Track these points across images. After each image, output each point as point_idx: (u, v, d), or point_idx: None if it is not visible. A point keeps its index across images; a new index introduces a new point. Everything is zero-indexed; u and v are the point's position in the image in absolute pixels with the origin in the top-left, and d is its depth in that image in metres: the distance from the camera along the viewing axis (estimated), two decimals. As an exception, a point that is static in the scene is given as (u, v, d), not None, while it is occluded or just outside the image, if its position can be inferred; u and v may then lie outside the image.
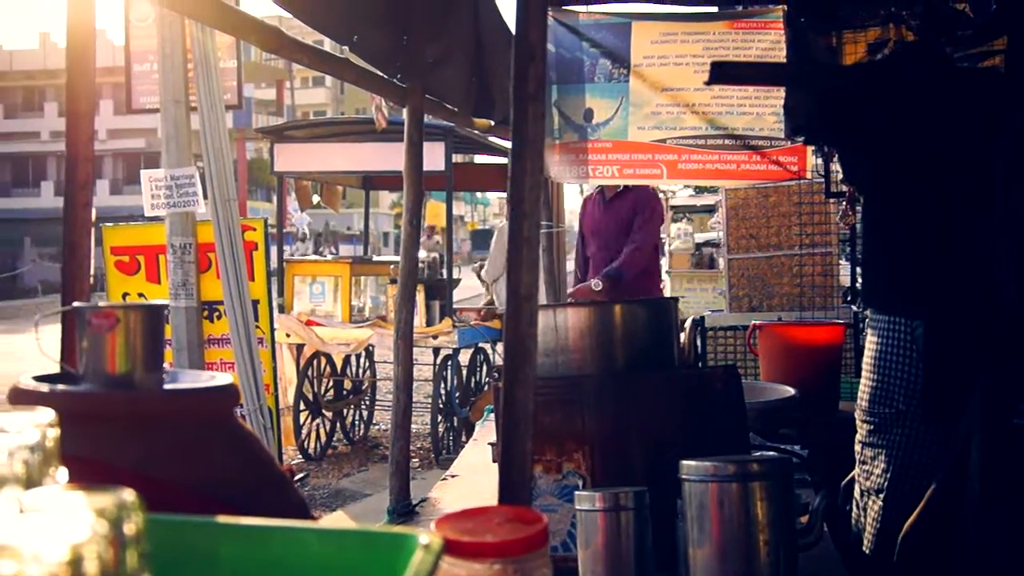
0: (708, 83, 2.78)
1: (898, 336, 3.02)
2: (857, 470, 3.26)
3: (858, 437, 3.26)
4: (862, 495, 3.23)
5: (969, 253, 2.85)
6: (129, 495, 0.72)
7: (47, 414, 0.88)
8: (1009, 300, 2.54)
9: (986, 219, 2.79)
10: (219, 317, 7.34)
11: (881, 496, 3.12)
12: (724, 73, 3.73)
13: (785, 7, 5.35)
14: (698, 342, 6.77)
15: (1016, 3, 2.70)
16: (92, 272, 3.49)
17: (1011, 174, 2.52)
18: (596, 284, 7.10)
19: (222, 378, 1.63)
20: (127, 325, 1.51)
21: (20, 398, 1.46)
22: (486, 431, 4.87)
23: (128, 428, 1.46)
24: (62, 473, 0.88)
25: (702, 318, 7.44)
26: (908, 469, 3.07)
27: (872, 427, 3.17)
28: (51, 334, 1.94)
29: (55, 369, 1.65)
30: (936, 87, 2.93)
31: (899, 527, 2.92)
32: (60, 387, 1.51)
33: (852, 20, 4.69)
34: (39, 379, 1.56)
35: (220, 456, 1.57)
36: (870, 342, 3.17)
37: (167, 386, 1.58)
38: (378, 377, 11.61)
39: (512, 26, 1.98)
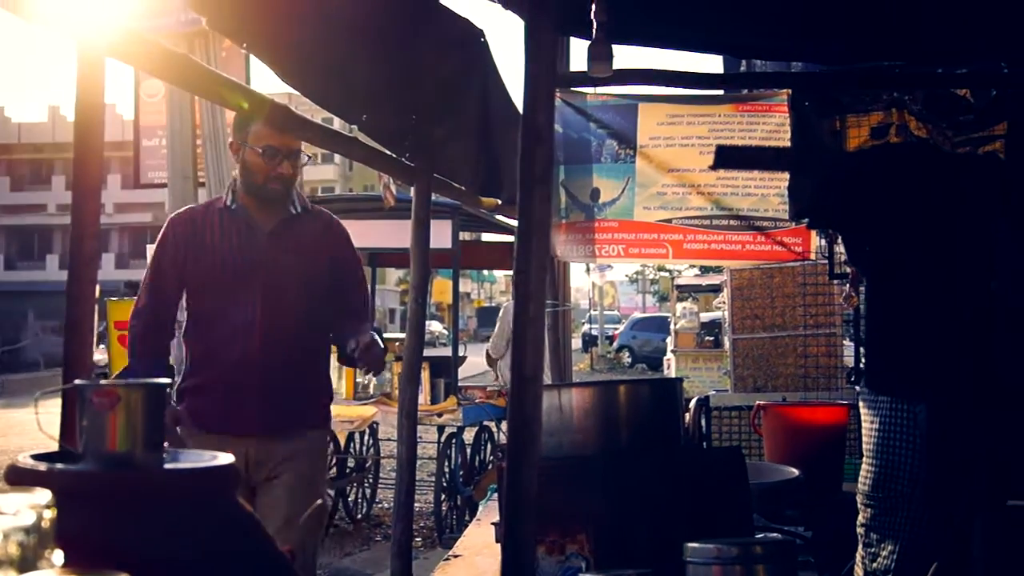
0: (713, 167, 2.80)
1: (901, 419, 3.00)
2: (861, 552, 3.23)
3: (860, 520, 3.23)
4: None
5: (971, 338, 2.85)
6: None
7: (44, 495, 0.87)
8: (1011, 385, 2.53)
9: (988, 304, 2.80)
10: (223, 393, 7.30)
11: None
12: (728, 158, 3.77)
13: (790, 91, 5.40)
14: (703, 422, 6.73)
15: (1016, 90, 2.72)
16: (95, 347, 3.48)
17: (1013, 259, 2.53)
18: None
19: (224, 458, 1.62)
20: (128, 404, 1.50)
21: (18, 477, 1.45)
22: (490, 510, 4.83)
23: (127, 508, 1.45)
24: (58, 555, 0.87)
25: (707, 398, 7.40)
26: (914, 550, 3.04)
27: (876, 510, 3.14)
28: (53, 408, 1.93)
29: (55, 447, 1.64)
30: (935, 177, 2.95)
31: None
32: (58, 466, 1.50)
33: (855, 105, 4.73)
34: (37, 457, 1.55)
35: (220, 536, 1.55)
36: (871, 424, 3.15)
37: (167, 465, 1.57)
38: (382, 455, 11.53)
39: (520, 106, 1.99)
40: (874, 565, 3.15)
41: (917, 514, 3.01)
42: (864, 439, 3.25)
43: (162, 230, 4.09)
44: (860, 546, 3.22)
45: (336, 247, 4.11)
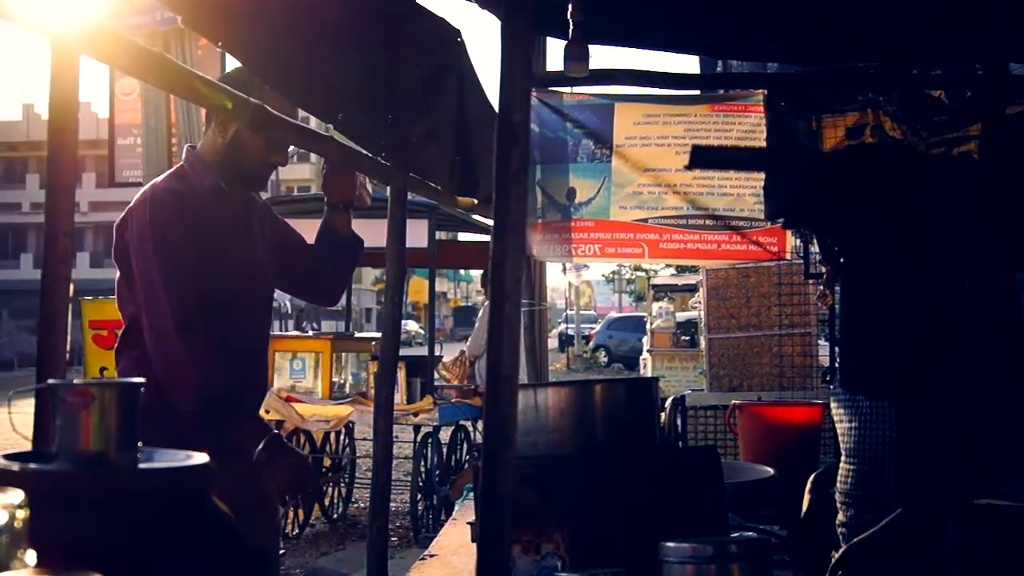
0: (688, 167, 2.81)
1: (877, 418, 3.01)
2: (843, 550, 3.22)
3: (840, 519, 3.24)
4: None
5: (945, 337, 2.87)
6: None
7: (17, 495, 0.87)
8: (984, 384, 2.55)
9: (962, 303, 2.82)
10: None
11: None
12: (704, 158, 3.78)
13: (765, 92, 5.42)
14: (678, 421, 6.76)
15: (989, 91, 2.74)
16: (69, 346, 3.46)
17: (986, 259, 2.55)
18: None
19: (198, 457, 1.62)
20: (102, 403, 1.50)
21: (-9, 477, 1.44)
22: (466, 510, 4.83)
23: (101, 508, 1.44)
24: (31, 556, 0.86)
25: (682, 397, 7.43)
26: None
27: (855, 509, 3.15)
28: (27, 408, 1.92)
29: (29, 446, 1.63)
30: (909, 177, 2.97)
31: None
32: (32, 466, 1.49)
33: (831, 105, 4.75)
34: (10, 457, 1.54)
35: (195, 536, 1.55)
36: (849, 424, 3.16)
37: (142, 465, 1.56)
38: (358, 454, 11.51)
39: (496, 105, 1.99)
40: None
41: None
42: (841, 439, 3.26)
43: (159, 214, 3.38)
44: (842, 544, 3.22)
45: (274, 222, 3.95)
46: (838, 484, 3.27)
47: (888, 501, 3.07)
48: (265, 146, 3.60)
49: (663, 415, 3.39)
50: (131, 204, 3.46)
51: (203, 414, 3.16)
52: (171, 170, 3.65)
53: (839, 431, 3.26)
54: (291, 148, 3.82)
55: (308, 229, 4.18)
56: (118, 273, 3.49)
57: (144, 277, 3.32)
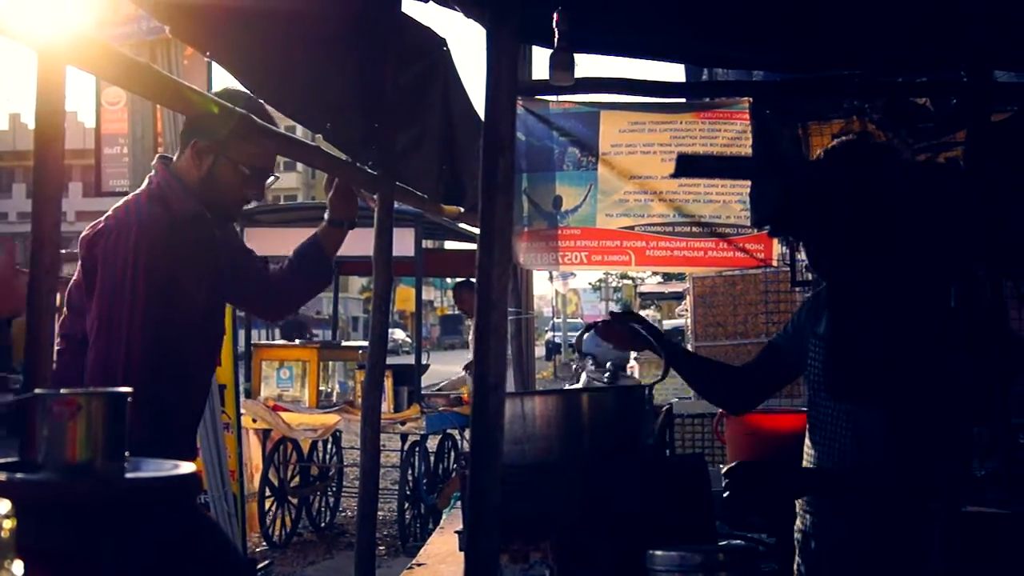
0: (674, 176, 2.81)
1: (856, 426, 3.00)
2: (798, 559, 3.20)
3: (798, 525, 3.21)
4: None
5: (931, 345, 2.87)
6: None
7: (3, 505, 0.87)
8: (969, 393, 2.55)
9: (949, 311, 2.82)
10: (185, 402, 7.27)
11: None
12: (689, 166, 3.78)
13: (751, 99, 5.44)
14: (666, 429, 6.76)
15: (975, 98, 2.75)
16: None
17: (972, 266, 2.55)
18: None
19: (185, 467, 1.62)
20: (89, 412, 1.50)
21: (-23, 487, 1.44)
22: (453, 519, 4.83)
23: (88, 518, 1.44)
24: (18, 566, 0.86)
25: (671, 405, 7.43)
26: (852, 559, 3.03)
27: (816, 518, 3.12)
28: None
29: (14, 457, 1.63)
30: (895, 183, 2.97)
31: None
32: (18, 476, 1.49)
33: (816, 112, 4.78)
34: (-4, 467, 1.54)
35: (182, 546, 1.55)
36: (823, 430, 3.12)
37: (129, 475, 1.56)
38: (345, 463, 11.50)
39: (482, 114, 2.00)
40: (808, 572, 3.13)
41: (863, 524, 2.99)
42: (809, 445, 3.23)
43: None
44: (796, 552, 3.20)
45: (234, 238, 3.97)
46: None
47: (843, 514, 3.03)
48: (243, 180, 3.58)
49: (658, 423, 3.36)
50: (108, 221, 3.42)
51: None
52: (148, 188, 3.57)
53: (810, 437, 3.23)
54: (269, 182, 3.75)
55: (294, 239, 4.19)
56: (72, 280, 3.45)
57: (112, 299, 3.28)
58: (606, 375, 3.54)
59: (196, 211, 3.50)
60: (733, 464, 2.98)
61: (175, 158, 3.64)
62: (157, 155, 3.77)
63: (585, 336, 3.97)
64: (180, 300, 3.39)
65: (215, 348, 3.85)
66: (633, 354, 13.59)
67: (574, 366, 4.03)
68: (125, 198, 3.55)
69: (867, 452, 2.98)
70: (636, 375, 13.63)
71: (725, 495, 2.89)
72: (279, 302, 4.18)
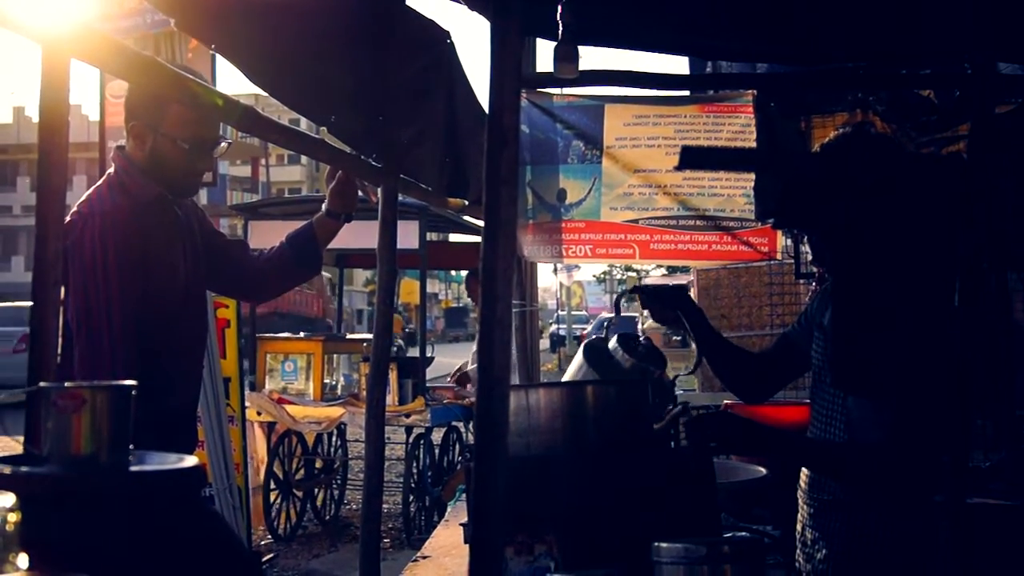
0: (678, 168, 2.81)
1: (860, 418, 3.00)
2: (798, 553, 3.20)
3: (800, 518, 3.20)
4: None
5: (936, 338, 2.87)
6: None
7: (8, 498, 0.87)
8: (974, 383, 2.55)
9: (952, 304, 2.82)
10: (190, 395, 7.28)
11: None
12: (693, 158, 3.78)
13: (755, 92, 5.43)
14: (677, 422, 6.75)
15: (978, 90, 2.75)
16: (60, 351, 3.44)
17: (974, 259, 2.55)
18: None
19: (189, 460, 1.62)
20: (93, 406, 1.50)
21: (-18, 480, 1.44)
22: (458, 511, 4.83)
23: (92, 511, 1.44)
24: (23, 559, 0.87)
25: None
26: (854, 553, 3.02)
27: (814, 509, 3.12)
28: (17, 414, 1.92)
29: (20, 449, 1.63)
30: (898, 176, 2.96)
31: None
32: (23, 469, 1.49)
33: (820, 105, 4.77)
34: (1, 460, 1.54)
35: (186, 538, 1.55)
36: (828, 422, 3.12)
37: (133, 468, 1.56)
38: (350, 456, 11.51)
39: (486, 107, 1.99)
40: (808, 566, 3.13)
41: (858, 518, 2.98)
42: (809, 434, 3.23)
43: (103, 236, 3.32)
44: (798, 547, 3.20)
45: (203, 221, 3.89)
46: (800, 484, 3.24)
47: (844, 506, 3.03)
48: (185, 154, 3.52)
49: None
50: (72, 216, 3.38)
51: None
52: (107, 178, 3.56)
53: (812, 430, 3.23)
54: (219, 148, 3.68)
55: (299, 232, 4.19)
56: None
57: (87, 291, 3.28)
58: (639, 347, 3.48)
59: (156, 193, 3.50)
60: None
61: (124, 144, 3.61)
62: (115, 145, 3.74)
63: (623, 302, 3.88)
64: (156, 283, 3.41)
65: (200, 331, 3.85)
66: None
67: (605, 323, 3.97)
68: (88, 191, 3.53)
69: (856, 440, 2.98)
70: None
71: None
72: (261, 285, 4.19)
